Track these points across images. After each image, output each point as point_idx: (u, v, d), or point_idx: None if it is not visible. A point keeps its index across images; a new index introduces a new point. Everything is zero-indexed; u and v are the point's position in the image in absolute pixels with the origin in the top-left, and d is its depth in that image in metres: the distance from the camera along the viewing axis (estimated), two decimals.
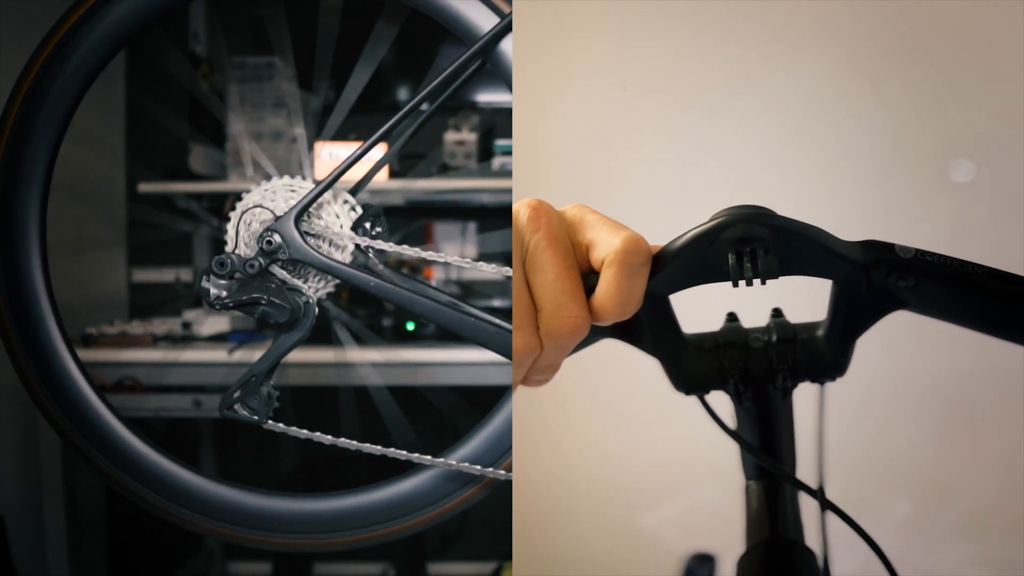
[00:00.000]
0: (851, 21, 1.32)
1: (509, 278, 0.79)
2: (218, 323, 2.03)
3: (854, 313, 0.59)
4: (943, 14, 1.30)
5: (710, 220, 0.55)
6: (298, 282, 0.77)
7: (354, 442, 0.79)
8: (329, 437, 0.79)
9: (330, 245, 0.78)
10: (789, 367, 0.62)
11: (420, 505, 0.81)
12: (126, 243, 2.46)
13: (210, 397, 1.82)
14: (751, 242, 0.54)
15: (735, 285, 0.55)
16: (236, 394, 0.78)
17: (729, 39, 1.32)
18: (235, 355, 1.86)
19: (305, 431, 0.79)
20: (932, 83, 1.33)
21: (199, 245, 2.46)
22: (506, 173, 2.26)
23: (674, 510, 1.40)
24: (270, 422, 0.79)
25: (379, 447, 0.79)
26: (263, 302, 0.76)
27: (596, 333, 0.60)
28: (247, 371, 0.78)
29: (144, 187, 2.26)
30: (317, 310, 0.78)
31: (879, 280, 0.57)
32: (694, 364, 0.63)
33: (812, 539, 0.68)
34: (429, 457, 0.79)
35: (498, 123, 2.37)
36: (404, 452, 0.79)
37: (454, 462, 0.79)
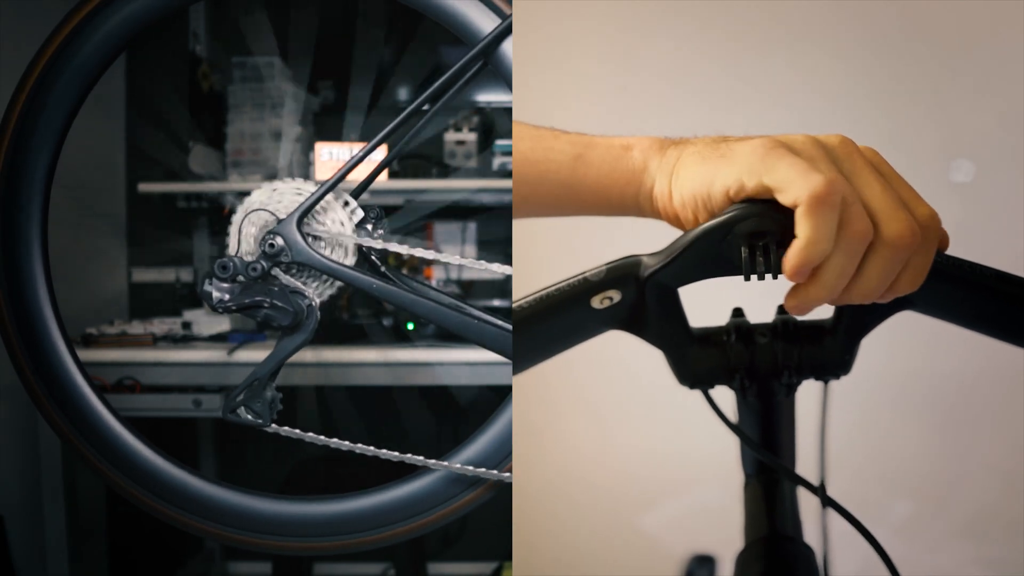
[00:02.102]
0: (851, 21, 1.32)
1: (509, 277, 0.79)
2: (218, 323, 2.03)
3: (861, 312, 0.59)
4: (943, 14, 1.30)
5: (723, 213, 0.55)
6: (300, 284, 0.77)
7: (346, 442, 0.79)
8: (330, 439, 0.79)
9: (332, 247, 0.78)
10: (794, 364, 0.62)
11: (422, 508, 0.81)
12: (126, 243, 2.46)
13: (210, 397, 1.82)
14: (764, 236, 0.54)
15: (747, 279, 0.55)
16: (239, 397, 0.78)
17: (729, 39, 1.32)
18: (235, 355, 1.86)
19: (310, 434, 0.79)
20: (932, 83, 1.33)
21: (199, 245, 2.46)
22: (506, 173, 2.26)
23: (674, 511, 1.40)
24: (273, 425, 0.79)
25: (380, 449, 0.79)
26: (266, 305, 0.76)
27: (602, 324, 0.60)
28: (250, 374, 0.78)
29: (144, 187, 2.26)
30: (319, 312, 0.78)
31: None
32: (699, 358, 0.63)
33: (811, 536, 0.68)
34: (431, 460, 0.79)
35: (498, 123, 2.37)
36: (408, 455, 0.79)
37: (456, 465, 0.79)
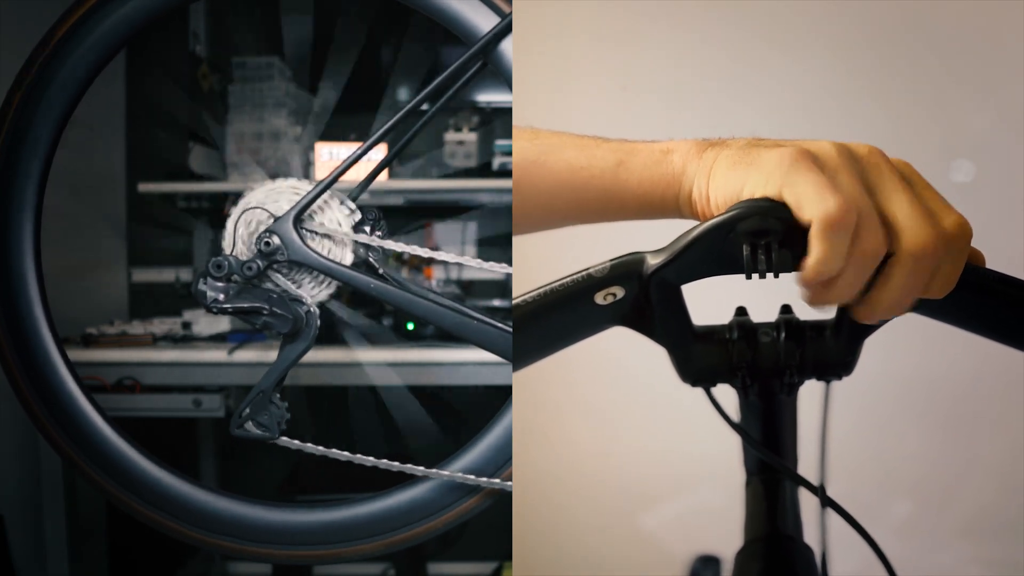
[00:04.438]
0: (850, 21, 1.32)
1: (509, 277, 0.79)
2: (218, 323, 2.03)
3: None
4: (942, 14, 1.30)
5: (726, 212, 0.55)
6: (299, 291, 0.77)
7: (346, 453, 0.79)
8: (331, 451, 0.79)
9: (330, 245, 0.78)
10: (796, 364, 0.62)
11: (421, 515, 0.80)
12: (126, 243, 2.46)
13: (210, 397, 1.82)
14: (766, 235, 0.54)
15: (748, 277, 0.55)
16: (245, 412, 0.78)
17: (728, 39, 1.32)
18: (235, 355, 1.86)
19: (310, 445, 0.79)
20: (932, 83, 1.33)
21: (199, 245, 2.46)
22: (506, 173, 2.26)
23: (675, 511, 1.40)
24: (284, 439, 0.78)
25: (380, 460, 0.79)
26: (265, 312, 0.76)
27: (605, 320, 0.60)
28: (255, 388, 0.77)
29: (144, 187, 2.26)
30: (319, 317, 0.78)
31: None
32: (702, 356, 0.63)
33: (811, 536, 0.68)
34: (432, 470, 0.79)
35: (498, 123, 2.37)
36: (409, 465, 0.78)
37: (456, 473, 0.78)
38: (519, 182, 0.67)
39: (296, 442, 0.79)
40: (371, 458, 0.79)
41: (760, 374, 0.63)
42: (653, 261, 0.58)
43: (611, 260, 0.59)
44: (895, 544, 0.64)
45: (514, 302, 0.59)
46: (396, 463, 0.78)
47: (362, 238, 0.78)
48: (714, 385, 0.64)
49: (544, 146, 0.67)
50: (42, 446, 1.82)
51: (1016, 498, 1.29)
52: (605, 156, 0.65)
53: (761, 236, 0.54)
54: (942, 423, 1.34)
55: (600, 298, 0.59)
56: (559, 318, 0.59)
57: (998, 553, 1.31)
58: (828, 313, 0.62)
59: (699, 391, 0.64)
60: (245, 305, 0.76)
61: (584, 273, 0.59)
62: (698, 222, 0.59)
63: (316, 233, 0.77)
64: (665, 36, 1.35)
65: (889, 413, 1.32)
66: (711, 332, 0.64)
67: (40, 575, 1.91)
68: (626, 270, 0.59)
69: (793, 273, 0.56)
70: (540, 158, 0.66)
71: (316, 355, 1.84)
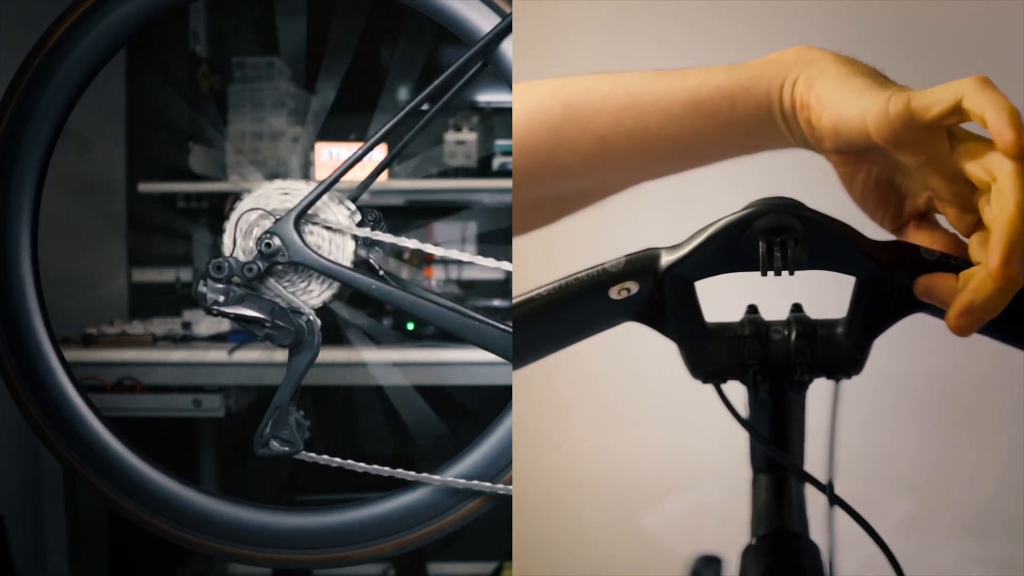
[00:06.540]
0: (850, 21, 1.32)
1: (509, 278, 0.79)
2: (218, 323, 2.03)
3: (875, 312, 0.60)
4: (943, 14, 1.30)
5: (742, 209, 0.56)
6: (298, 301, 0.77)
7: (361, 464, 0.79)
8: (348, 462, 0.79)
9: (330, 247, 0.78)
10: (807, 361, 0.63)
11: (421, 519, 0.80)
12: (126, 243, 2.46)
13: (210, 397, 1.82)
14: (782, 232, 0.55)
15: (764, 274, 0.56)
16: (266, 430, 0.77)
17: (729, 40, 1.32)
18: (235, 355, 1.85)
19: (325, 457, 0.79)
20: (932, 83, 1.33)
21: (199, 246, 2.45)
22: (506, 173, 2.26)
23: (676, 510, 1.40)
24: (304, 453, 0.78)
25: (395, 469, 0.79)
26: (267, 325, 0.76)
27: (618, 315, 0.61)
28: (271, 405, 0.77)
29: (144, 187, 2.26)
30: (320, 325, 0.77)
31: (903, 281, 0.57)
32: (714, 352, 0.63)
33: (818, 534, 0.68)
34: (435, 476, 0.79)
35: (498, 123, 2.37)
36: (423, 475, 0.79)
37: (457, 480, 0.78)
38: (615, 128, 0.68)
39: (312, 455, 0.79)
40: (387, 468, 0.79)
41: (771, 371, 0.63)
42: (668, 257, 0.59)
43: (626, 255, 0.60)
44: (897, 542, 0.64)
45: (528, 295, 0.59)
46: (412, 472, 0.79)
47: (360, 231, 0.77)
48: (724, 382, 0.64)
49: (642, 77, 0.68)
50: (42, 447, 1.82)
51: (1016, 497, 1.29)
52: (717, 68, 0.66)
53: (777, 233, 0.55)
54: (942, 420, 1.35)
55: (614, 293, 0.60)
56: (574, 312, 0.60)
57: (999, 552, 1.31)
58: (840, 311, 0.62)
59: (704, 387, 0.64)
60: (248, 314, 0.76)
61: (599, 268, 0.60)
62: (792, 115, 0.60)
63: (327, 226, 0.77)
64: (666, 36, 1.35)
65: (889, 411, 1.32)
66: (723, 329, 0.64)
67: (40, 575, 1.91)
68: (641, 265, 0.59)
69: (804, 273, 0.56)
70: (646, 89, 0.67)
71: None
